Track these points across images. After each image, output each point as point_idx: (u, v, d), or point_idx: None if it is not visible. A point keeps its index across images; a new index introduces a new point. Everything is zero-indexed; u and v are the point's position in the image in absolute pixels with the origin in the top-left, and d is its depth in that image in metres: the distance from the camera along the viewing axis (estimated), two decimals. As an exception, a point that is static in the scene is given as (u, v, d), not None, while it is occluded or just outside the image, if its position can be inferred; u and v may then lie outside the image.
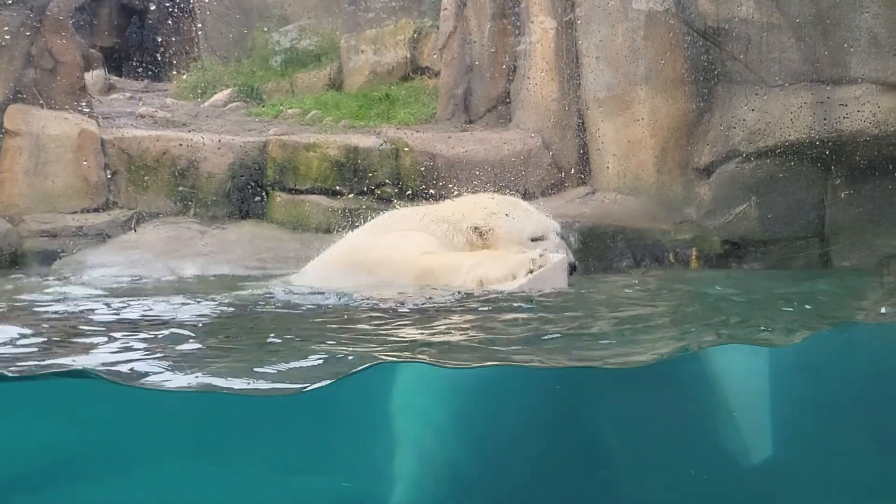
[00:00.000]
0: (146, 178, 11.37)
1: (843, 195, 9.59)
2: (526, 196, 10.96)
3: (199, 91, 16.67)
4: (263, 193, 11.38)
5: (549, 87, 11.47)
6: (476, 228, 6.72)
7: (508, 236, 6.69)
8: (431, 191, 10.99)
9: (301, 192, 11.27)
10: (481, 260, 6.36)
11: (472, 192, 7.67)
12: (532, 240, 6.70)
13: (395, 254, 6.66)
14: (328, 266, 7.07)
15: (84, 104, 12.14)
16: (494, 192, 10.88)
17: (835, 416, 5.30)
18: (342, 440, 5.23)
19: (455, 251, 6.80)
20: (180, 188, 11.33)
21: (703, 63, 10.11)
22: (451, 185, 10.98)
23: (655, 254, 9.71)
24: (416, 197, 10.88)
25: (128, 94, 16.85)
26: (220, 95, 16.08)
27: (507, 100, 12.49)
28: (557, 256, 6.37)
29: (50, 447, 4.83)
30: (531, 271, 6.09)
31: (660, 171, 10.28)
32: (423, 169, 11.06)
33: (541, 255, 6.15)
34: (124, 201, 11.32)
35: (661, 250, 9.73)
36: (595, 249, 9.62)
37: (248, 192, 11.35)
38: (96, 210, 11.16)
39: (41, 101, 11.56)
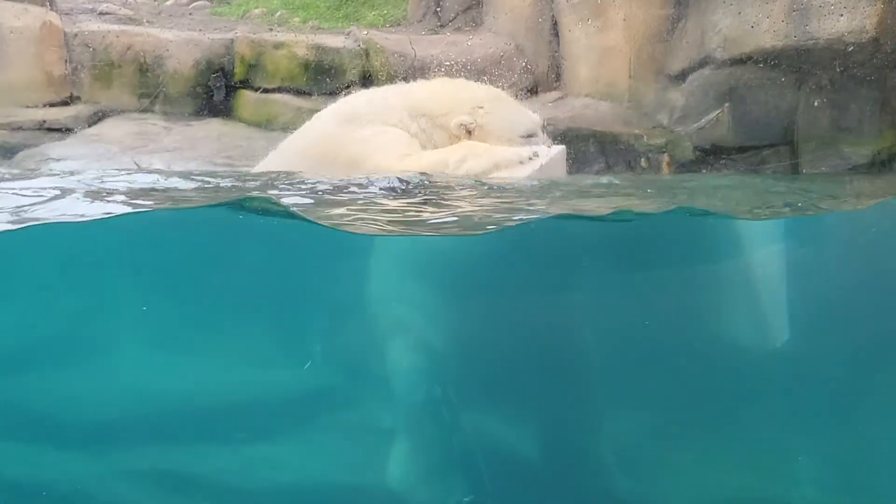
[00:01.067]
0: (110, 73, 11.14)
1: (815, 103, 9.57)
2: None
3: (162, -10, 16.31)
4: (231, 91, 11.21)
5: (523, -10, 11.34)
6: (462, 125, 6.47)
7: (500, 132, 6.43)
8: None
9: (269, 91, 11.11)
10: (464, 155, 6.21)
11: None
12: (523, 137, 6.51)
13: (373, 156, 6.35)
14: (293, 157, 6.76)
15: (46, -3, 11.83)
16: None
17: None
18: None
19: (434, 146, 6.59)
20: (145, 85, 11.14)
21: (680, -33, 10.02)
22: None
23: (628, 159, 9.70)
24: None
25: (88, -9, 16.42)
26: (184, -6, 15.73)
27: (480, 3, 12.32)
28: (558, 147, 6.32)
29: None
30: (521, 163, 6.01)
31: (633, 76, 10.23)
32: (393, 70, 10.93)
33: (533, 151, 6.07)
34: (88, 96, 11.11)
35: (633, 155, 9.71)
36: (568, 153, 9.57)
37: (215, 89, 11.17)
38: (60, 104, 10.94)
39: (1, -7, 11.26)
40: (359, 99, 7.03)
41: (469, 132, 6.40)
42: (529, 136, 6.53)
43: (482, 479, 5.10)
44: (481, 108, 6.50)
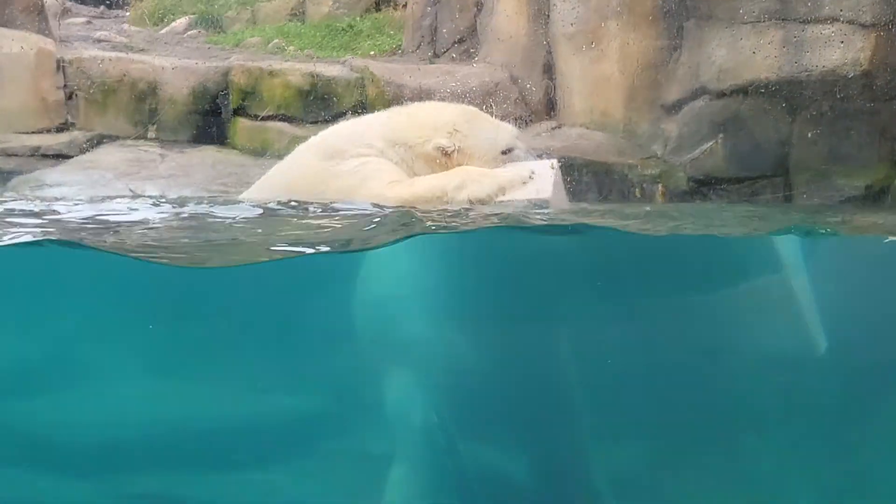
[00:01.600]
0: (105, 99, 11.16)
1: (809, 135, 9.61)
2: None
3: (157, 18, 16.38)
4: (226, 119, 11.23)
5: (518, 20, 11.38)
6: (440, 149, 6.38)
7: (480, 153, 6.34)
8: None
9: (264, 119, 11.13)
10: (463, 181, 6.16)
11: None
12: (503, 153, 6.49)
13: (362, 186, 6.28)
14: (279, 192, 6.67)
15: (42, 24, 11.86)
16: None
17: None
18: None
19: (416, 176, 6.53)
20: (140, 111, 11.15)
21: (674, -1, 10.09)
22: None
23: (622, 188, 9.72)
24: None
25: (84, 19, 16.48)
26: (179, 23, 15.80)
27: (475, 33, 12.37)
28: (550, 160, 6.31)
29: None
30: (524, 183, 6.01)
31: (627, 107, 10.27)
32: (389, 99, 10.94)
33: (531, 170, 6.08)
34: (83, 123, 11.12)
35: (627, 185, 9.73)
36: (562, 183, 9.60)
37: (210, 117, 11.19)
38: (55, 130, 10.95)
39: (-2, 20, 11.29)
40: (338, 132, 6.98)
41: (448, 155, 6.36)
42: (509, 150, 6.51)
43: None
44: (458, 130, 6.44)
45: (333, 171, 6.47)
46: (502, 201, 6.04)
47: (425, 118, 6.61)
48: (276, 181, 6.88)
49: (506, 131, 6.62)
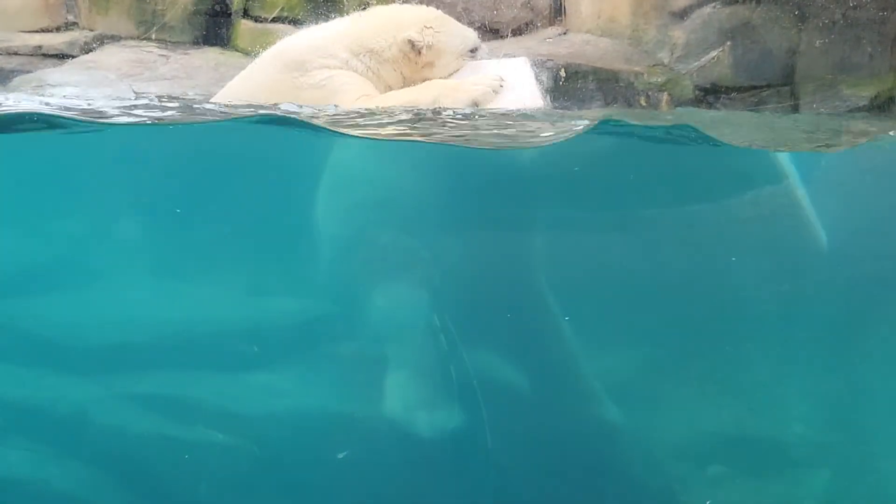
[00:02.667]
0: (108, -1, 11.05)
1: (816, 44, 9.54)
2: (497, 34, 10.81)
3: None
4: (234, 21, 11.11)
5: (525, -78, 11.18)
6: (412, 42, 6.40)
7: (451, 49, 6.41)
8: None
9: (268, 21, 11.01)
10: (436, 96, 6.15)
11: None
12: (470, 52, 6.50)
13: (329, 101, 6.27)
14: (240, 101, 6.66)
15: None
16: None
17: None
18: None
19: (385, 85, 6.49)
20: (143, 11, 11.03)
21: None
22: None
23: (627, 96, 9.65)
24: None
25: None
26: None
27: (480, -65, 12.16)
28: (519, 59, 6.33)
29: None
30: (494, 91, 6.02)
31: (635, 13, 10.13)
32: None
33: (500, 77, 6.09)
34: (85, 22, 11.00)
35: (632, 93, 9.66)
36: (567, 89, 9.54)
37: (215, 18, 11.07)
38: (56, 30, 10.85)
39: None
40: (299, 43, 6.90)
41: (419, 52, 6.32)
42: (474, 49, 6.53)
43: (478, 406, 5.15)
44: (429, 27, 6.41)
45: (297, 83, 6.40)
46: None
47: (388, 21, 6.57)
48: (239, 90, 6.82)
49: (469, 32, 6.65)
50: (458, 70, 6.57)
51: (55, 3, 10.95)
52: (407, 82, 6.53)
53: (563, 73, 6.37)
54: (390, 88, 6.49)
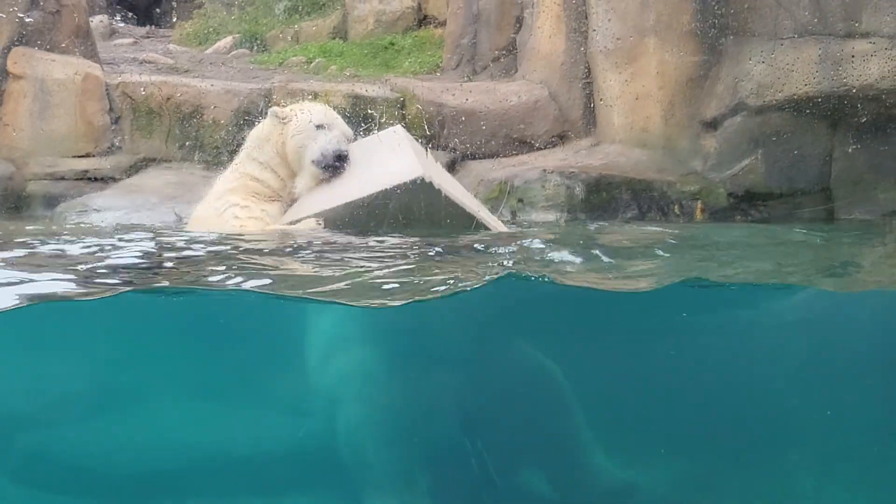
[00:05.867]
0: (150, 123, 11.32)
1: (849, 150, 9.59)
2: (531, 146, 10.97)
3: (203, 38, 16.58)
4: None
5: (556, 38, 11.39)
6: (276, 114, 6.81)
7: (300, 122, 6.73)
8: (436, 140, 10.98)
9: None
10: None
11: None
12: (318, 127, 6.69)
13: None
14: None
15: (88, 48, 12.07)
16: (500, 144, 10.93)
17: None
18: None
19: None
20: (184, 134, 11.29)
21: (712, 15, 10.05)
22: (456, 136, 10.96)
23: (661, 206, 9.70)
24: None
25: (130, 40, 16.73)
26: (224, 43, 15.98)
27: (514, 50, 12.40)
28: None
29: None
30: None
31: (667, 123, 10.23)
32: (428, 118, 11.03)
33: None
34: (129, 146, 11.28)
35: (666, 202, 9.71)
36: (600, 200, 9.62)
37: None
38: (101, 154, 11.12)
39: (45, 45, 11.49)
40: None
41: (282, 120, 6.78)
42: (320, 125, 6.72)
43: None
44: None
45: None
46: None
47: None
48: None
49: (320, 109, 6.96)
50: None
51: (100, 129, 11.24)
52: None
53: (397, 131, 6.50)
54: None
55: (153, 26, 18.79)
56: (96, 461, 5.14)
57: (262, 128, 6.92)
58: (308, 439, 5.36)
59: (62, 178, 10.74)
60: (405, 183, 6.09)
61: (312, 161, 6.56)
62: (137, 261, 5.57)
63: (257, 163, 6.85)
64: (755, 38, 9.85)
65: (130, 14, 19.88)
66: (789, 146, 9.69)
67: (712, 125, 10.05)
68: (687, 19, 10.15)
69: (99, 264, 5.28)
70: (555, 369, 5.36)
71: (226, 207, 6.75)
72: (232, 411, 5.29)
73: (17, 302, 4.33)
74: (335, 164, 6.49)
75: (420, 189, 6.08)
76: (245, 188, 6.85)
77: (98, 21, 17.22)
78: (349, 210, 6.25)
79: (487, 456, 5.23)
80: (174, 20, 18.22)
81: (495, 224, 6.69)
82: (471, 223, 6.31)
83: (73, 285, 4.60)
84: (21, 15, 11.34)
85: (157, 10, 19.54)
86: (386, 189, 6.13)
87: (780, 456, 5.42)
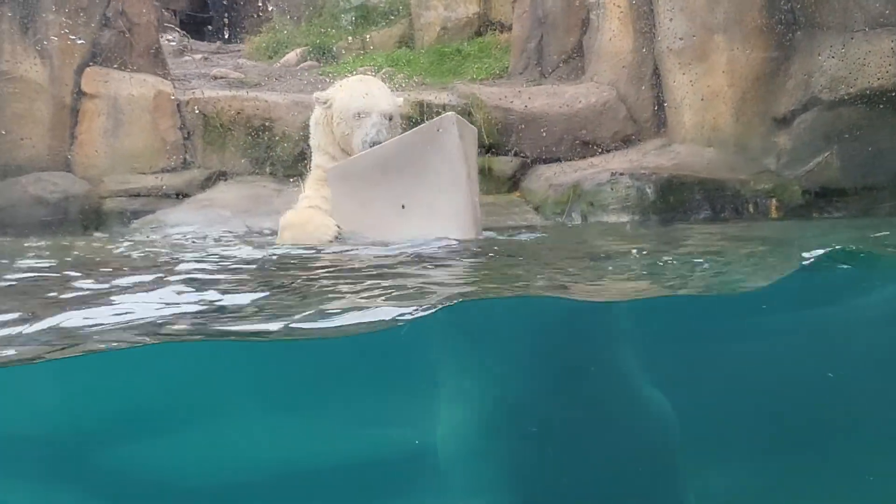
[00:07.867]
0: (221, 137, 11.45)
1: (927, 141, 9.37)
2: (600, 148, 10.89)
3: (272, 51, 16.76)
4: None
5: (624, 38, 11.31)
6: (318, 99, 7.30)
7: (341, 109, 7.10)
8: (506, 146, 10.95)
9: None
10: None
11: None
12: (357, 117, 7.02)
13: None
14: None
15: (159, 65, 12.26)
16: (569, 147, 10.84)
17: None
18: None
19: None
20: (256, 148, 11.39)
21: (780, 9, 9.90)
22: (524, 140, 10.92)
23: (735, 205, 9.55)
24: (489, 152, 10.85)
25: (201, 56, 16.97)
26: (293, 55, 16.13)
27: (581, 52, 12.33)
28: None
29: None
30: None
31: (738, 121, 10.10)
32: (496, 124, 11.00)
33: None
34: (201, 161, 11.42)
35: (740, 202, 9.56)
36: (672, 201, 9.51)
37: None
38: (173, 170, 11.28)
39: (117, 64, 11.68)
40: None
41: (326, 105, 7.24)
42: (363, 114, 7.04)
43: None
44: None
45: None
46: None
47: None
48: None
49: (361, 98, 7.14)
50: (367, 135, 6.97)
51: (173, 144, 11.39)
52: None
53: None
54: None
55: (223, 42, 19.02)
56: (184, 476, 5.18)
57: (314, 115, 7.40)
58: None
59: (136, 195, 10.90)
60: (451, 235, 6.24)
61: (356, 148, 7.01)
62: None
63: (317, 149, 7.34)
64: (825, 31, 9.67)
65: (202, 30, 20.17)
66: (864, 141, 9.47)
67: (784, 122, 9.89)
68: (755, 15, 10.01)
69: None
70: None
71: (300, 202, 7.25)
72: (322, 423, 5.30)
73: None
74: None
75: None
76: (315, 178, 7.28)
77: (169, 38, 17.51)
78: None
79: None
80: (244, 35, 18.45)
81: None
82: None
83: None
84: (94, 35, 11.56)
85: (227, 26, 19.77)
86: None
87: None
